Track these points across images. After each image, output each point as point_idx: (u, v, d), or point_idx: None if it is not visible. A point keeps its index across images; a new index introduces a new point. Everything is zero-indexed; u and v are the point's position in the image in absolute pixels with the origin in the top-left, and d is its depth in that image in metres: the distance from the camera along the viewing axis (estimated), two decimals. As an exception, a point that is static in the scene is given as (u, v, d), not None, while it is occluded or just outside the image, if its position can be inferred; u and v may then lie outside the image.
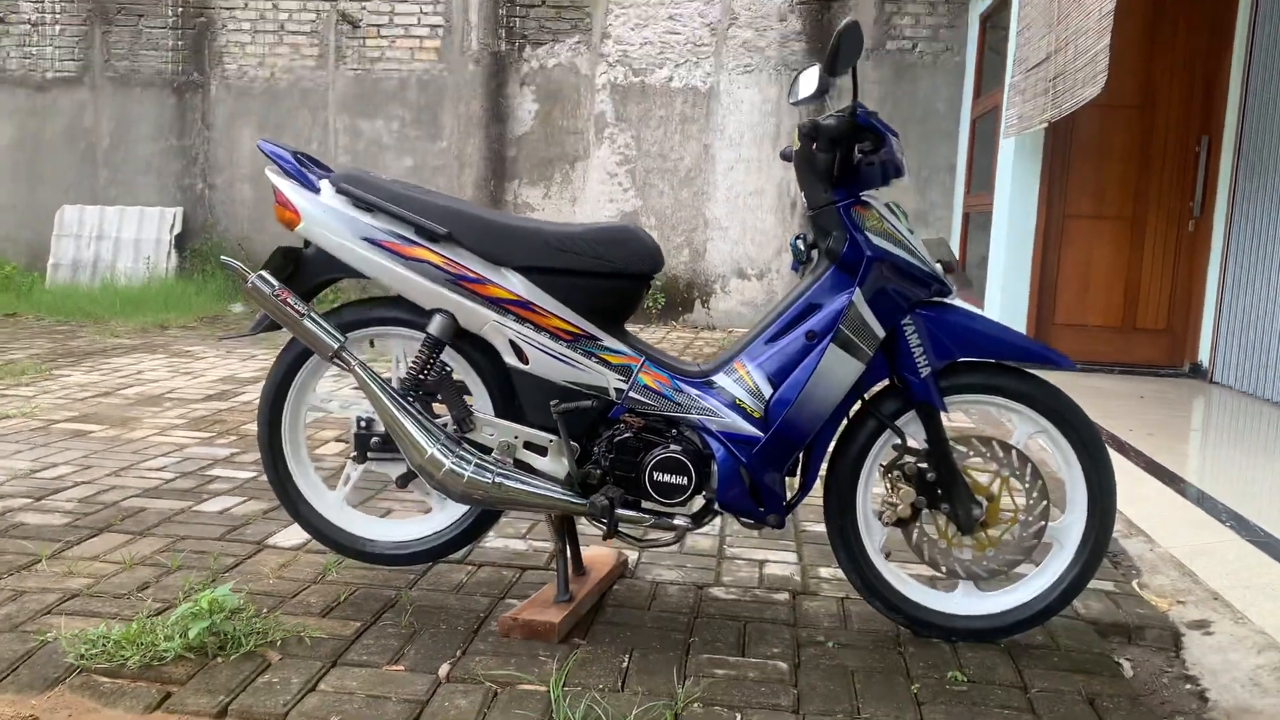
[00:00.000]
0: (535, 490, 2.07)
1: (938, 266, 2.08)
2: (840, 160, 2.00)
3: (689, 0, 7.94)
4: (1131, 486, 3.27)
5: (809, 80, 2.13)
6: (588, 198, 8.15)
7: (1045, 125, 5.15)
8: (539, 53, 8.12)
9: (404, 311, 2.18)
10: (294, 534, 2.66)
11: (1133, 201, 5.92)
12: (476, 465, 2.06)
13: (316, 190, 2.13)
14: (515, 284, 2.08)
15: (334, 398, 2.32)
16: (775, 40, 7.85)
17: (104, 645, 1.90)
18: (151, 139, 8.60)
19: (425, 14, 8.24)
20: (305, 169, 2.16)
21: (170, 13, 8.47)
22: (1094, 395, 5.07)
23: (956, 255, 2.11)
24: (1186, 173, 5.88)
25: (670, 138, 8.03)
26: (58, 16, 8.59)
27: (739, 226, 8.03)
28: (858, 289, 2.01)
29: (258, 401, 2.32)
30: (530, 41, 8.12)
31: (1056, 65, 4.79)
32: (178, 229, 8.53)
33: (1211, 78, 5.80)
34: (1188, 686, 2.01)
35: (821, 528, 2.90)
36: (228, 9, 8.43)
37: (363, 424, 2.23)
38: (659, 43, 7.99)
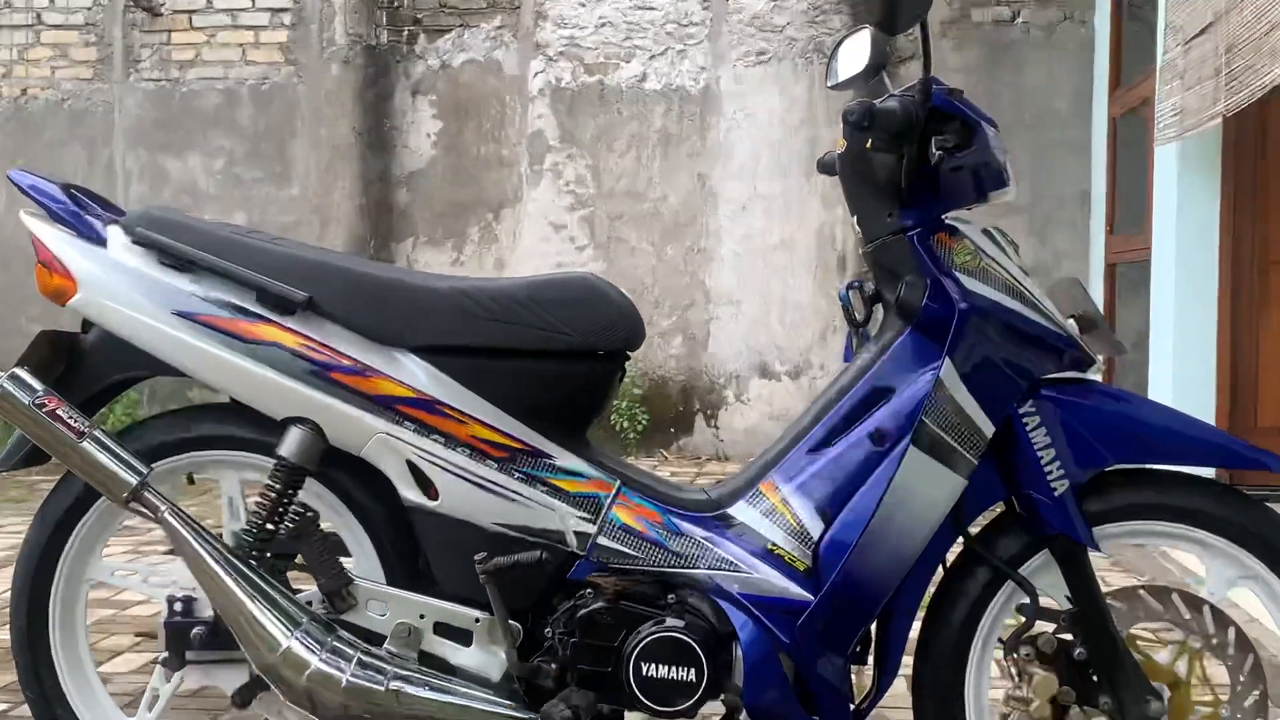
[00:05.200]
0: (455, 700, 2.06)
1: (1070, 323, 2.11)
2: (910, 164, 2.05)
3: (668, -41, 8.17)
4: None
5: (856, 50, 2.20)
6: (522, 260, 8.22)
7: (1220, 122, 5.28)
8: (440, 45, 8.30)
9: (241, 426, 2.19)
10: (68, 795, 2.60)
11: (1365, 236, 6.03)
12: (361, 663, 2.05)
13: (102, 241, 2.16)
14: (415, 373, 2.10)
15: (132, 568, 2.31)
16: (802, 13, 8.05)
17: None
18: None
19: (263, -8, 8.44)
20: (84, 211, 2.20)
21: None
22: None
23: (1101, 311, 2.15)
24: None
25: (646, 167, 8.16)
26: None
27: (758, 299, 8.10)
28: (948, 360, 2.04)
29: (9, 585, 2.31)
30: (426, 29, 8.31)
31: (1230, 31, 4.94)
32: (-123, 335, 8.52)
33: None
34: None
35: (912, 752, 2.87)
36: (-44, -6, 8.59)
37: (178, 607, 2.22)
38: (623, 24, 8.19)
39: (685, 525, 2.11)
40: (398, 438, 2.10)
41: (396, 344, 2.12)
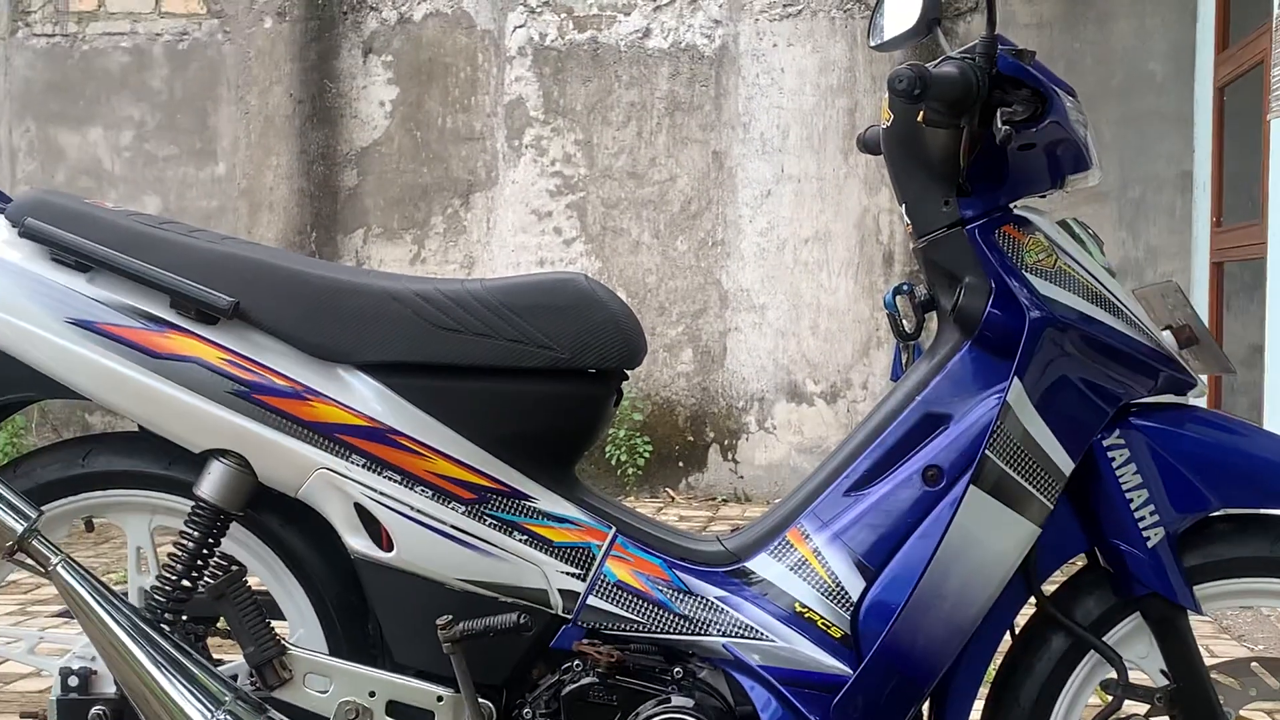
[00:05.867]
0: (411, 798, 2.06)
1: (1166, 336, 2.12)
2: (971, 142, 2.06)
3: (676, -111, 8.21)
4: None
5: (904, 2, 2.21)
6: (496, 256, 8.25)
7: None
8: (397, -7, 8.34)
9: (151, 460, 2.20)
10: None
11: None
12: (296, 753, 2.05)
13: (-16, 233, 2.17)
14: (364, 396, 2.11)
15: (17, 634, 2.31)
16: (840, -45, 8.10)
17: None
18: None
19: (181, -71, 8.47)
20: (-41, 197, 2.21)
21: None
22: None
23: (1204, 320, 2.15)
24: None
25: (650, 142, 8.19)
26: None
27: (785, 303, 8.11)
28: (1016, 380, 2.04)
29: None
30: (380, -26, 8.35)
31: (1365, -21, 4.96)
32: None
33: None
34: None
35: None
36: None
37: (73, 682, 2.22)
38: (622, -32, 8.23)
39: (695, 583, 2.11)
40: (343, 474, 2.10)
41: (342, 360, 2.12)
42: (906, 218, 2.19)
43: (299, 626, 2.22)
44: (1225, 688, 2.12)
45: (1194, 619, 2.12)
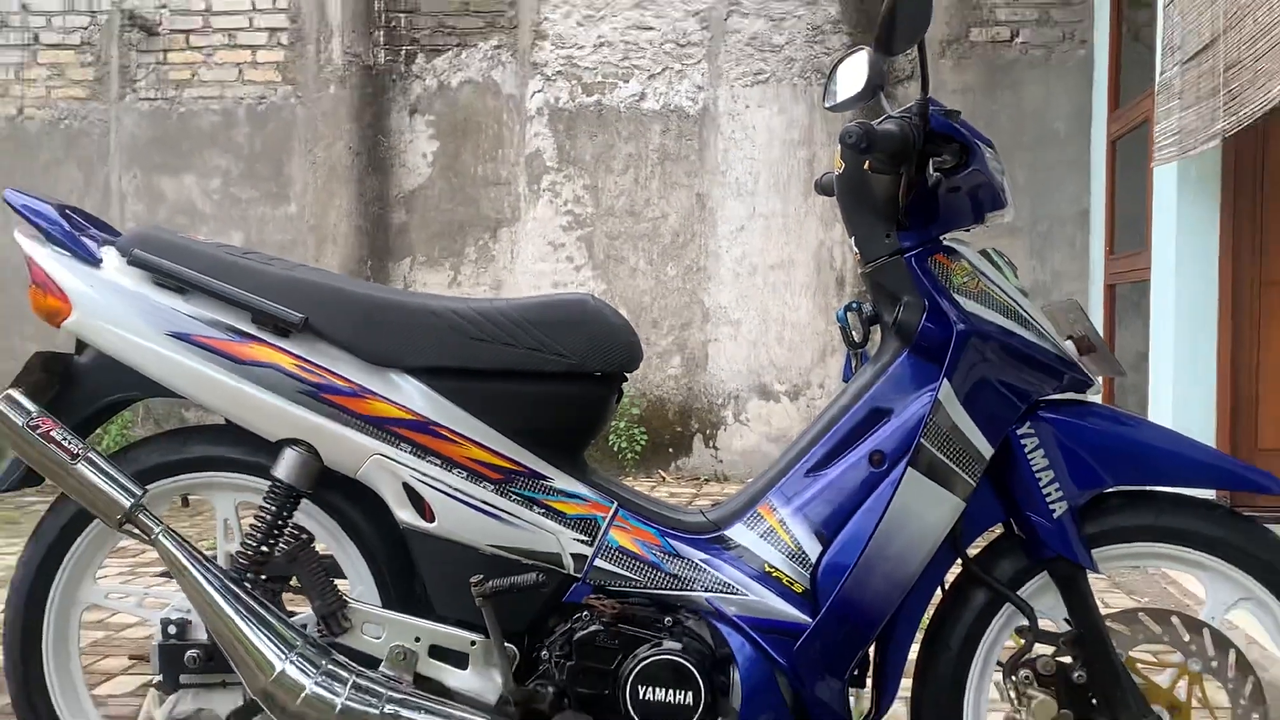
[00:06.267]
0: (451, 723, 2.06)
1: (1068, 345, 2.12)
2: (908, 185, 2.06)
3: (666, -21, 8.21)
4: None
5: (854, 71, 2.21)
6: (519, 280, 8.25)
7: (1219, 143, 5.30)
8: (438, 65, 8.33)
9: (236, 447, 2.20)
10: (61, 819, 2.60)
11: (1365, 257, 6.05)
12: (356, 687, 2.04)
13: (97, 262, 2.16)
14: (411, 395, 2.11)
15: (126, 591, 2.31)
16: (801, 34, 8.09)
17: None
18: None
19: (260, 12, 8.46)
20: (79, 232, 2.20)
21: None
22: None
23: (1100, 332, 2.16)
24: None
25: (645, 186, 8.19)
26: None
27: (757, 319, 8.12)
28: (945, 381, 2.04)
29: (2, 608, 2.31)
30: (424, 49, 8.34)
31: (1228, 50, 4.96)
32: None
33: None
34: None
35: (911, 776, 2.86)
36: (-48, 14, 8.62)
37: (172, 630, 2.21)
38: (621, 44, 8.22)
39: (683, 548, 2.11)
40: (393, 459, 2.10)
41: (392, 365, 2.12)
42: (855, 248, 2.19)
43: (357, 584, 2.22)
44: (1117, 633, 2.11)
45: (1092, 577, 2.11)
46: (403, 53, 8.35)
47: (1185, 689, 2.12)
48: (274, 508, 2.14)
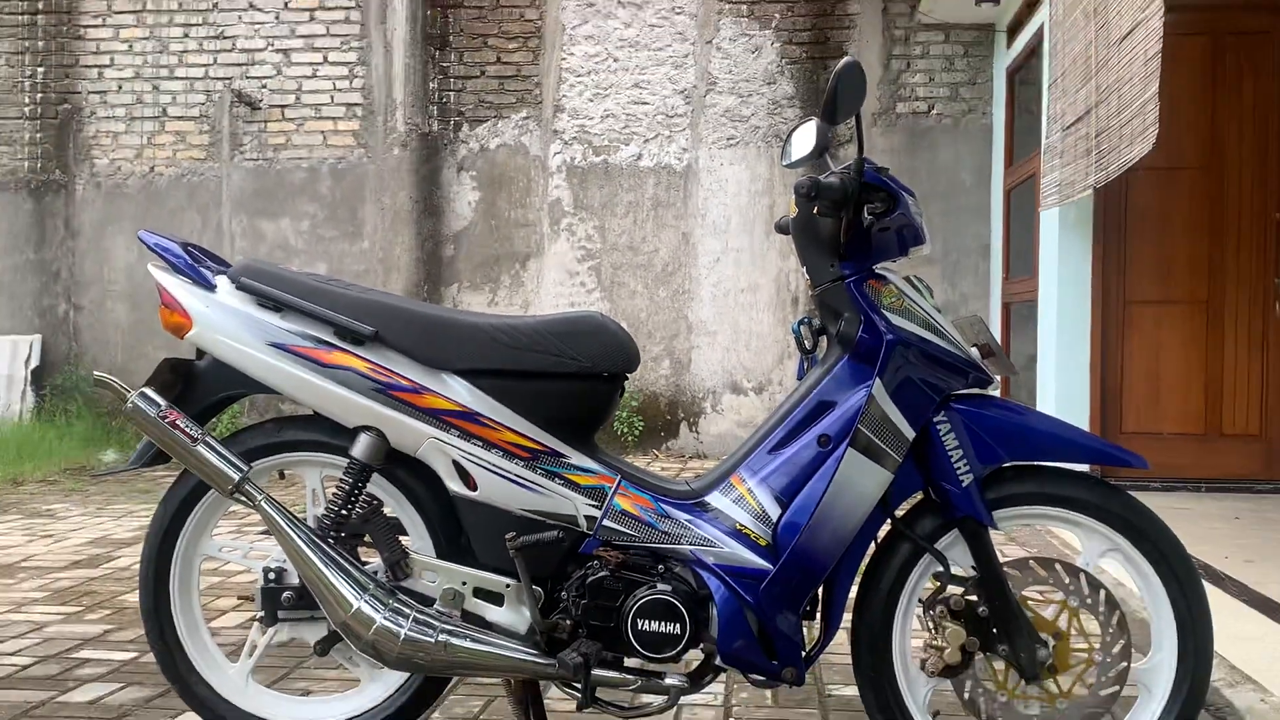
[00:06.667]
0: (490, 649, 2.05)
1: (973, 351, 2.12)
2: (847, 226, 2.06)
3: (657, 65, 8.20)
4: (1231, 623, 3.26)
5: (805, 136, 2.21)
6: (543, 301, 8.25)
7: (1091, 192, 5.31)
8: (479, 132, 8.33)
9: (321, 432, 2.20)
10: (185, 725, 2.60)
11: (1206, 282, 6.06)
12: (415, 620, 2.05)
13: (212, 288, 2.16)
14: (459, 391, 2.11)
15: (236, 545, 2.31)
16: (763, 107, 8.10)
17: None
18: (2, 252, 8.67)
19: (339, 91, 8.46)
20: (198, 263, 2.21)
21: (27, 100, 8.65)
22: (1177, 518, 5.09)
23: (998, 340, 2.17)
24: (1268, 243, 6.04)
25: (641, 226, 8.19)
26: (-111, 109, 8.77)
27: (730, 330, 8.12)
28: (877, 380, 2.04)
29: (139, 560, 2.30)
30: (468, 119, 8.34)
31: (1098, 121, 4.97)
32: (34, 361, 8.53)
33: (1287, 130, 6.02)
34: None
35: (852, 690, 2.87)
36: (98, 93, 8.61)
37: (271, 576, 2.21)
38: (623, 115, 8.22)
39: (672, 510, 2.11)
40: (445, 442, 2.10)
41: (444, 368, 2.12)
42: (807, 275, 2.19)
43: (416, 540, 2.21)
44: (1013, 577, 2.11)
45: (993, 533, 2.11)
46: (451, 122, 8.35)
47: (1066, 620, 2.12)
48: (351, 480, 2.14)
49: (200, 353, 2.21)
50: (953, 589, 2.13)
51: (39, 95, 8.67)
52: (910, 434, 2.05)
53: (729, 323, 8.14)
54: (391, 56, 8.40)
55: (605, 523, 2.10)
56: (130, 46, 8.62)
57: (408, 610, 2.06)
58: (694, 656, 2.11)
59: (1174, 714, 2.11)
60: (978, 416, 2.10)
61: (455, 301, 8.31)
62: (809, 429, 2.09)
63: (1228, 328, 6.08)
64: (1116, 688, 2.11)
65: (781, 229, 2.30)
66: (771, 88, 8.10)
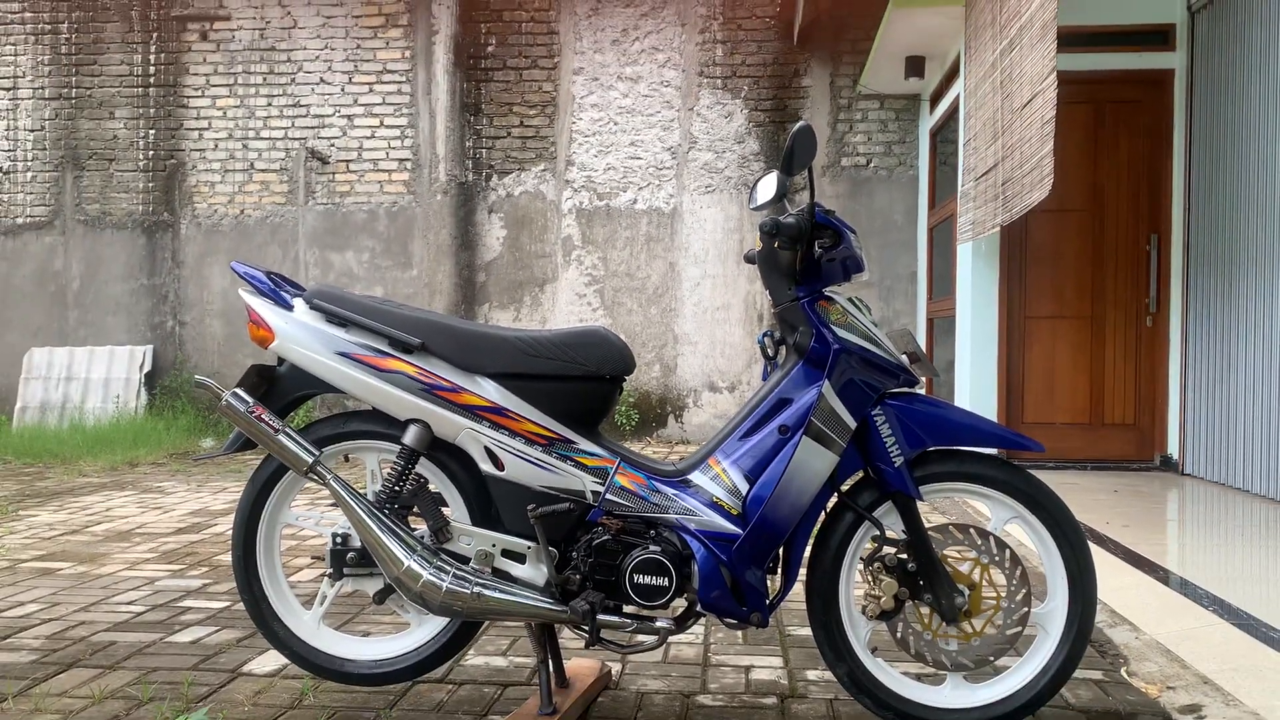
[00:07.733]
0: (514, 598, 2.05)
1: (903, 357, 2.12)
2: (802, 257, 2.06)
3: (649, 127, 8.20)
4: (1112, 577, 3.26)
5: (768, 185, 2.21)
6: (558, 318, 8.25)
7: (998, 229, 5.32)
8: (506, 181, 8.33)
9: (378, 424, 2.19)
10: (269, 660, 2.59)
11: (1090, 300, 6.08)
12: (454, 575, 2.04)
13: (290, 307, 2.16)
14: (489, 391, 2.10)
15: (309, 515, 2.30)
16: (734, 160, 8.10)
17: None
18: (122, 279, 8.65)
19: (393, 149, 8.45)
20: (279, 288, 2.20)
21: (141, 156, 8.64)
22: (1068, 491, 5.10)
23: (924, 349, 2.18)
24: (1140, 270, 6.06)
25: (636, 257, 8.19)
26: (30, 164, 8.74)
27: (708, 341, 8.12)
28: (826, 381, 2.04)
29: (231, 527, 2.29)
30: (497, 171, 8.33)
31: (1004, 172, 4.98)
32: (148, 367, 8.51)
33: (1155, 178, 6.05)
34: (1185, 770, 1.98)
35: (806, 631, 2.87)
36: (198, 150, 8.61)
37: (338, 540, 2.21)
38: (622, 168, 8.22)
39: (661, 486, 2.10)
40: (478, 431, 2.09)
41: (478, 372, 2.12)
42: (769, 296, 2.20)
43: (455, 511, 2.21)
44: (936, 539, 2.11)
45: (920, 504, 2.12)
46: (484, 174, 8.34)
47: (978, 574, 2.12)
48: (402, 462, 2.13)
49: (281, 360, 2.21)
50: (887, 549, 2.12)
51: (150, 152, 8.66)
52: (853, 424, 2.05)
53: (707, 335, 8.14)
54: (435, 121, 8.40)
55: (608, 496, 2.09)
56: (224, 113, 8.61)
57: (449, 568, 2.05)
58: (679, 604, 2.11)
59: (1066, 649, 2.10)
60: (907, 410, 2.10)
61: (487, 318, 8.31)
62: (771, 420, 2.09)
63: (1108, 338, 6.10)
64: (1019, 628, 2.11)
65: (749, 259, 2.29)
66: (741, 145, 8.10)
